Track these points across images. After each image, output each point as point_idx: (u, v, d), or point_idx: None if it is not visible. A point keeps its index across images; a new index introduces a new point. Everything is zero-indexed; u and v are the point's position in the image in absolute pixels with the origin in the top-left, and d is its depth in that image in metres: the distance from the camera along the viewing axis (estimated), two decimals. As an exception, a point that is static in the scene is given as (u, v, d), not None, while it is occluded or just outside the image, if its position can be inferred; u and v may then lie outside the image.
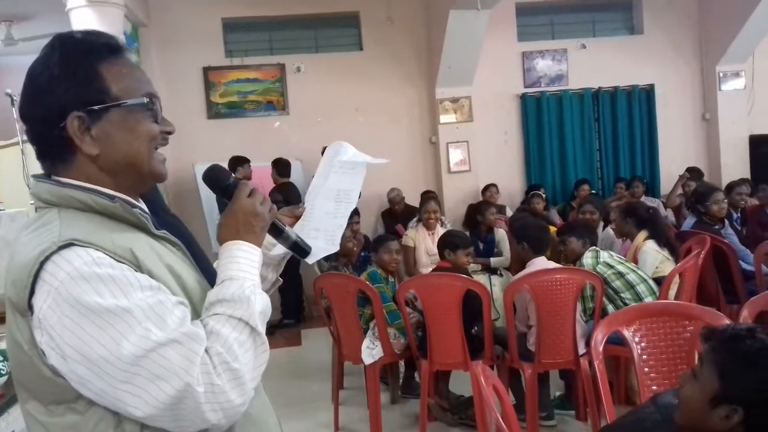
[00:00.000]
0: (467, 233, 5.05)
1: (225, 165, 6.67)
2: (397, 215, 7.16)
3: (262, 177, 7.09)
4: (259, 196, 1.28)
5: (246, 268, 1.19)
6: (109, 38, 1.18)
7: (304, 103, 7.90)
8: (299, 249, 1.41)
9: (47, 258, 1.02)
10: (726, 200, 4.91)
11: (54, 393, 1.06)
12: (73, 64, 1.12)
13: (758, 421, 1.51)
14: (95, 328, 0.99)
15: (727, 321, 2.53)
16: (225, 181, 1.33)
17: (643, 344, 2.57)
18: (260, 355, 1.13)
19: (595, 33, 8.63)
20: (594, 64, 8.28)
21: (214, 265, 1.36)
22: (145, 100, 1.18)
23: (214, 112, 7.80)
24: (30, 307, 1.03)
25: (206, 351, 1.04)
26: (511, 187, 8.18)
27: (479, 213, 5.96)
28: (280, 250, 1.46)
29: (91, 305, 1.00)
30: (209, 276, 1.25)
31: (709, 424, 1.55)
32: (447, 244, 4.05)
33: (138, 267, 1.07)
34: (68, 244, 1.03)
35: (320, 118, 7.87)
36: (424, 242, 5.55)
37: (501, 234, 5.74)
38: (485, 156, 7.97)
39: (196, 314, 1.13)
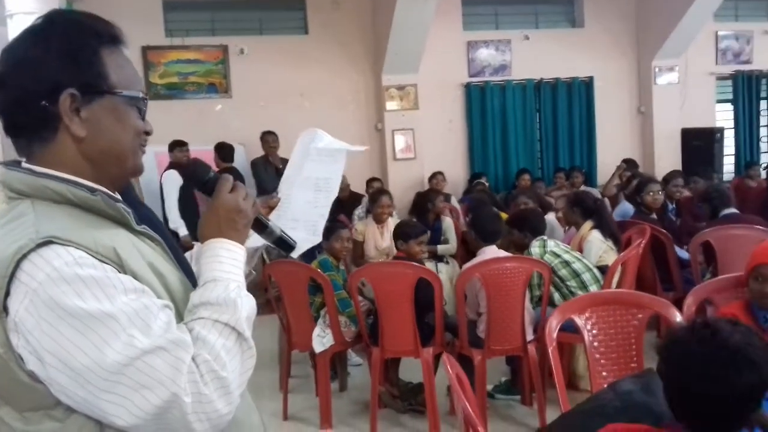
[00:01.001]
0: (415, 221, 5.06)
1: (165, 148, 6.52)
2: (343, 202, 7.13)
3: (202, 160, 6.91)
4: (241, 191, 1.23)
5: (229, 268, 1.14)
6: (112, 27, 1.13)
7: (248, 86, 7.74)
8: (284, 244, 1.36)
9: (24, 256, 0.95)
10: (662, 191, 5.09)
11: (31, 399, 0.99)
12: (76, 43, 1.07)
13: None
14: (76, 334, 0.93)
15: (674, 309, 2.63)
16: (204, 175, 1.27)
17: (594, 332, 2.65)
18: (246, 361, 1.08)
19: (538, 25, 8.79)
20: (536, 55, 8.44)
21: (189, 259, 1.31)
22: (141, 95, 1.15)
23: (153, 93, 7.53)
24: (5, 309, 0.95)
25: (193, 359, 1.00)
26: (455, 174, 8.26)
27: (429, 201, 5.98)
28: (254, 242, 1.40)
29: (72, 309, 0.93)
30: (185, 272, 1.19)
31: None
32: (399, 234, 4.04)
33: (121, 267, 1.01)
34: (47, 242, 0.96)
35: (264, 102, 7.74)
36: (373, 237, 5.51)
37: (448, 222, 5.79)
38: (430, 144, 8.02)
39: (179, 315, 1.07)
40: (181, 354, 0.98)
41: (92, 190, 1.07)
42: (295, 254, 1.48)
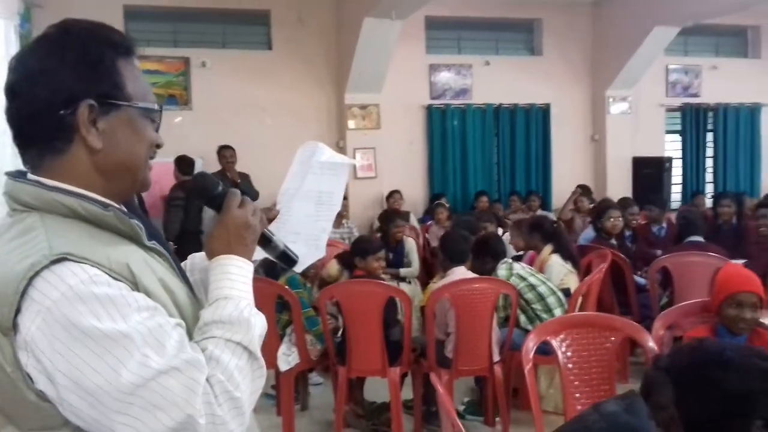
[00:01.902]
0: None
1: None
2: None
3: (160, 173, 6.77)
4: (250, 207, 1.22)
5: (240, 286, 1.13)
6: (126, 37, 1.12)
7: (209, 99, 7.64)
8: (287, 258, 1.35)
9: (37, 273, 0.92)
10: (621, 217, 5.24)
11: (37, 419, 0.96)
12: (93, 53, 1.05)
13: None
14: (91, 355, 0.91)
15: (646, 333, 2.70)
16: (213, 190, 1.25)
17: (569, 354, 2.69)
18: (257, 380, 1.07)
19: (498, 51, 8.99)
20: (496, 80, 8.61)
21: (188, 273, 1.29)
22: (156, 106, 1.13)
23: (110, 102, 7.37)
24: (14, 326, 0.92)
25: (207, 379, 0.98)
26: (415, 195, 8.32)
27: (386, 223, 6.00)
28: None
29: (87, 329, 0.91)
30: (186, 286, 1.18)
31: None
32: (357, 251, 4.02)
33: (135, 285, 0.99)
34: (61, 259, 0.93)
35: (225, 116, 7.65)
36: None
37: (411, 244, 5.82)
38: (391, 163, 8.06)
39: (188, 332, 1.05)
40: (196, 375, 0.96)
41: (104, 205, 1.05)
42: (298, 268, 1.47)
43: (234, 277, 1.13)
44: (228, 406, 0.99)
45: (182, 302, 1.09)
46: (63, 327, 0.90)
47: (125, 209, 1.13)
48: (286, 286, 3.93)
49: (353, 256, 4.09)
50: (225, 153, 6.89)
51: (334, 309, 4.10)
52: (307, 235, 1.48)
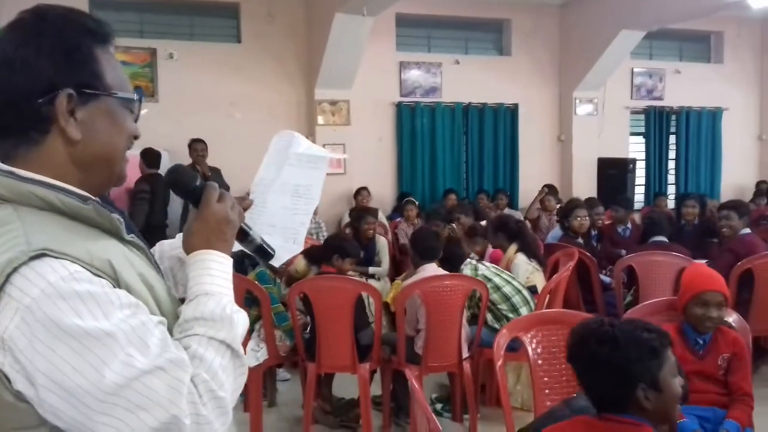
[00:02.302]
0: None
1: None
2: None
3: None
4: (229, 201, 1.20)
5: (221, 282, 1.11)
6: (104, 24, 1.08)
7: (176, 91, 7.53)
8: (263, 252, 1.33)
9: (15, 270, 0.88)
10: (588, 217, 5.32)
11: (13, 419, 0.92)
12: (71, 40, 1.01)
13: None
14: (73, 354, 0.88)
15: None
16: (191, 184, 1.21)
17: (539, 350, 2.72)
18: (238, 378, 1.05)
19: (468, 51, 9.04)
20: (466, 80, 8.65)
21: (157, 259, 1.26)
22: (136, 96, 1.10)
23: (74, 93, 7.20)
24: None
25: (191, 379, 0.96)
26: (383, 192, 8.33)
27: (357, 221, 5.96)
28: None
29: (69, 328, 0.87)
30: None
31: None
32: (338, 249, 3.99)
33: (116, 281, 0.96)
34: (40, 255, 0.89)
35: (192, 109, 7.55)
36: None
37: (382, 242, 5.81)
38: (360, 160, 8.05)
39: (168, 328, 1.02)
40: (180, 374, 0.94)
41: (83, 198, 1.01)
42: (276, 263, 1.45)
43: (215, 273, 1.11)
44: (212, 405, 0.97)
45: (162, 298, 1.06)
46: (43, 325, 0.87)
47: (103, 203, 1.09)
48: (256, 282, 3.89)
49: (332, 253, 4.04)
50: (196, 146, 6.80)
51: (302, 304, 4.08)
52: (284, 228, 1.45)
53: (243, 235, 1.27)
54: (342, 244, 4.05)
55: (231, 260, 1.16)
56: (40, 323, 0.87)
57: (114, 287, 0.94)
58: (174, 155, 7.16)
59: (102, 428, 0.90)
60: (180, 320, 1.05)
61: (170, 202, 6.79)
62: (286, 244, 1.45)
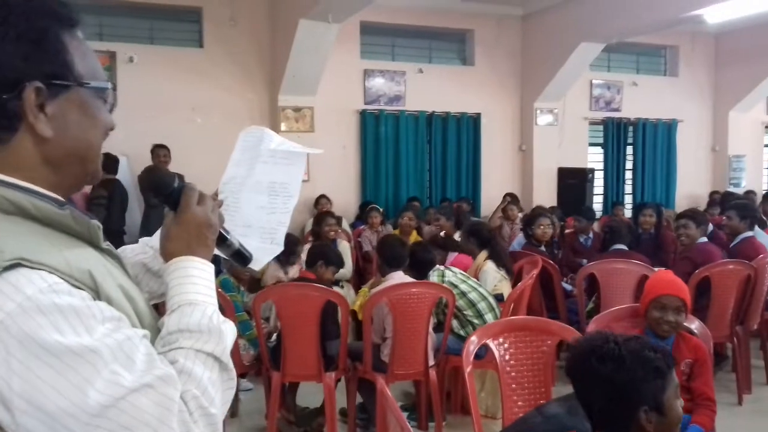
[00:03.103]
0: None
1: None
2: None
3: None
4: (209, 203, 1.14)
5: (204, 290, 1.04)
6: (70, 6, 0.98)
7: (136, 96, 7.35)
8: (241, 257, 1.28)
9: None
10: (551, 225, 5.38)
11: None
12: (36, 27, 0.92)
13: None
14: (53, 373, 0.80)
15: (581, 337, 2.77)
16: (169, 186, 1.15)
17: (506, 357, 2.73)
18: (227, 392, 0.99)
19: (432, 60, 9.10)
20: (429, 88, 8.71)
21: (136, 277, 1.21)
22: (110, 85, 1.01)
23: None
24: None
25: (181, 396, 0.90)
26: (347, 200, 8.30)
27: (318, 224, 5.93)
28: None
29: (49, 344, 0.80)
30: None
31: None
32: (322, 256, 3.95)
33: (96, 293, 0.89)
34: (15, 265, 0.81)
35: (152, 114, 7.41)
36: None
37: (344, 246, 5.78)
38: (323, 168, 8.00)
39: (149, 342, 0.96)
40: (170, 391, 0.88)
41: (59, 203, 0.94)
42: (256, 266, 1.40)
43: (197, 281, 1.04)
44: (204, 422, 0.91)
45: (142, 310, 0.99)
46: (19, 342, 0.79)
47: (81, 209, 1.02)
48: (219, 289, 3.82)
49: (317, 259, 3.96)
50: (159, 152, 6.69)
51: (268, 307, 4.02)
52: (261, 228, 1.39)
53: (220, 239, 1.21)
54: (327, 251, 4.01)
55: (213, 267, 1.10)
56: (16, 340, 0.79)
57: (95, 299, 0.88)
58: (133, 160, 7.03)
59: None
60: (163, 332, 0.99)
61: (128, 208, 6.66)
62: (264, 245, 1.39)
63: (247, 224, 1.39)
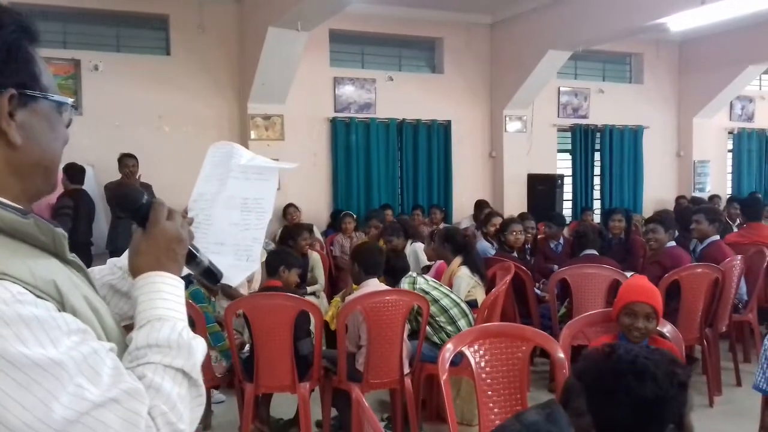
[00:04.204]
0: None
1: None
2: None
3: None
4: (178, 218, 1.14)
5: (174, 305, 1.04)
6: (32, 21, 0.99)
7: (101, 104, 7.26)
8: (210, 275, 1.25)
9: None
10: (522, 231, 5.41)
11: None
12: (9, 38, 0.93)
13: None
14: (16, 387, 0.78)
15: (554, 342, 2.78)
16: (137, 201, 1.14)
17: (482, 364, 2.72)
18: (195, 409, 0.99)
19: (401, 67, 9.13)
20: (399, 96, 8.72)
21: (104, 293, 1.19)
22: (71, 101, 1.04)
23: (-9, 104, 6.83)
24: None
25: (148, 411, 0.88)
26: (318, 208, 8.26)
27: (291, 237, 5.82)
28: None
29: (12, 356, 0.78)
30: None
31: None
32: (283, 261, 3.91)
33: (61, 304, 0.87)
34: None
35: (119, 122, 7.30)
36: None
37: (315, 258, 5.73)
38: (294, 176, 7.95)
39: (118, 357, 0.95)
40: (137, 406, 0.86)
41: (23, 212, 0.92)
42: (233, 283, 1.38)
43: (167, 296, 1.04)
44: None
45: (108, 323, 0.98)
46: None
47: (47, 219, 1.00)
48: (190, 301, 3.75)
49: (278, 265, 3.92)
50: (127, 162, 6.57)
51: (239, 321, 3.97)
52: (235, 245, 1.38)
53: (190, 257, 1.19)
54: (284, 256, 3.97)
55: (183, 282, 1.10)
56: None
57: (60, 311, 0.86)
58: (99, 170, 6.91)
59: None
60: (131, 347, 0.98)
61: (95, 219, 6.52)
62: (239, 263, 1.38)
63: (220, 242, 1.37)
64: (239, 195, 1.39)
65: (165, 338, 0.98)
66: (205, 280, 1.28)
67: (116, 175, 6.61)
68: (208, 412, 4.27)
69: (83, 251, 6.07)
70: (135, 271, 1.08)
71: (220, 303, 4.54)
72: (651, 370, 1.58)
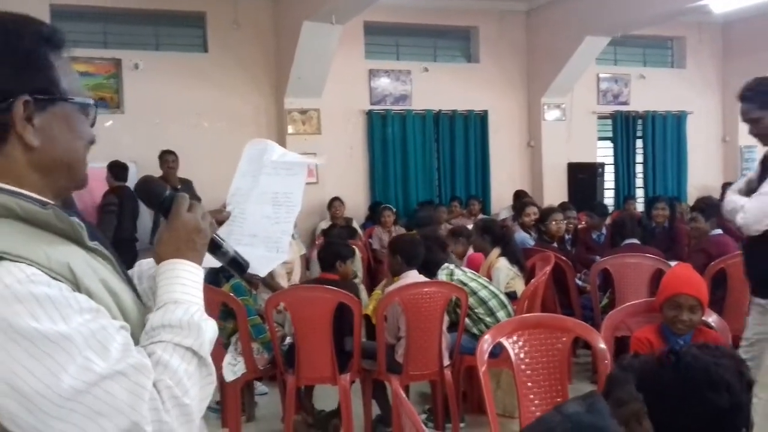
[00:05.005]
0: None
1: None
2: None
3: (92, 179, 6.35)
4: (199, 210, 1.19)
5: (190, 290, 1.10)
6: (55, 29, 1.08)
7: (142, 102, 7.41)
8: (237, 265, 1.30)
9: None
10: (564, 221, 5.34)
11: None
12: (25, 47, 1.02)
13: None
14: (29, 358, 0.87)
15: (596, 333, 2.74)
16: (161, 194, 1.21)
17: (521, 355, 2.70)
18: (206, 387, 1.04)
19: (437, 58, 9.08)
20: (435, 87, 8.67)
21: (136, 281, 1.25)
22: (92, 101, 1.12)
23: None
24: None
25: (154, 385, 0.95)
26: (356, 200, 8.28)
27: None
28: (207, 264, 1.34)
29: (25, 331, 0.87)
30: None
31: None
32: (338, 255, 3.92)
33: (76, 285, 0.95)
34: None
35: (159, 120, 7.43)
36: None
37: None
38: (332, 169, 7.99)
39: (134, 337, 1.02)
40: (142, 380, 0.93)
41: (43, 204, 1.01)
42: (261, 273, 1.44)
43: (185, 282, 1.11)
44: (176, 412, 0.96)
45: (127, 306, 1.05)
46: (0, 329, 0.87)
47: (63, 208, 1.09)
48: (231, 294, 3.81)
49: (334, 260, 3.93)
50: (167, 158, 6.71)
51: (281, 317, 4.02)
52: (266, 237, 1.44)
53: (215, 247, 1.25)
54: (338, 249, 3.99)
55: (202, 270, 1.16)
56: None
57: (73, 291, 0.94)
58: (141, 167, 7.03)
59: None
60: (147, 327, 1.04)
61: (139, 215, 6.67)
62: (269, 254, 1.44)
63: (253, 234, 1.44)
64: (270, 190, 1.46)
65: (177, 319, 1.03)
66: (232, 270, 1.33)
67: (158, 172, 6.73)
68: (251, 404, 4.35)
69: (128, 247, 6.22)
70: (158, 259, 1.15)
71: (261, 296, 4.59)
72: (726, 379, 1.51)
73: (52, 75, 1.03)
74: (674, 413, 1.51)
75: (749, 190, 3.12)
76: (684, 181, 10.19)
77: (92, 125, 1.13)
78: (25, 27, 1.04)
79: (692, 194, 9.86)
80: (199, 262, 1.16)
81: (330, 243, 4.26)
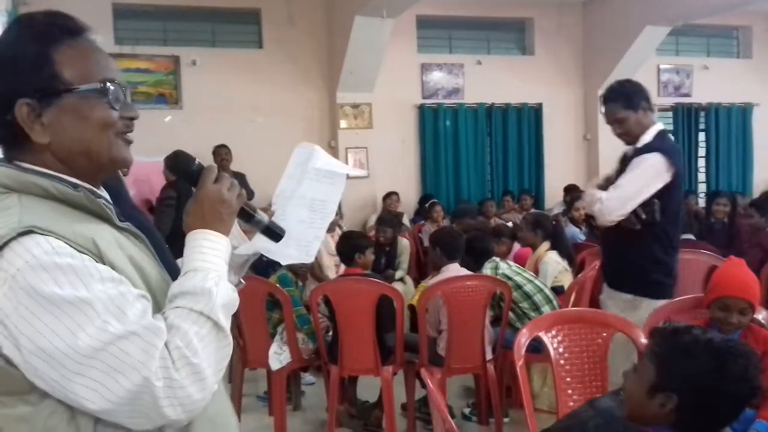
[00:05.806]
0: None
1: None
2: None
3: (150, 172, 6.71)
4: (226, 181, 1.24)
5: (211, 258, 1.15)
6: (68, 19, 1.13)
7: (199, 98, 7.60)
8: (272, 233, 1.37)
9: (5, 244, 0.99)
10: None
11: (5, 383, 1.02)
12: (21, 49, 1.09)
13: (690, 407, 1.63)
14: (52, 319, 0.97)
15: (637, 329, 2.68)
16: (189, 166, 1.27)
17: (560, 350, 2.67)
18: (222, 349, 1.10)
19: (490, 51, 8.98)
20: (488, 80, 8.59)
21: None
22: (99, 85, 1.12)
23: (100, 101, 7.31)
24: None
25: (165, 345, 1.02)
26: (407, 195, 8.29)
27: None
28: (245, 250, 1.42)
29: (48, 295, 0.97)
30: (174, 273, 1.19)
31: (649, 412, 1.67)
32: (354, 247, 3.93)
33: (100, 258, 1.04)
34: (28, 231, 1.00)
35: (215, 115, 7.62)
36: (324, 245, 5.48)
37: (404, 244, 5.78)
38: (383, 163, 8.03)
39: (159, 310, 1.10)
40: (154, 340, 1.01)
41: (75, 186, 1.10)
42: (284, 261, 1.51)
43: (206, 251, 1.15)
44: (186, 371, 1.02)
45: (153, 280, 1.12)
46: (27, 293, 0.96)
47: (96, 191, 1.16)
48: (277, 285, 3.89)
49: (352, 253, 3.95)
50: (220, 151, 6.88)
51: (326, 308, 4.07)
52: (299, 240, 1.50)
53: (248, 216, 1.32)
54: (354, 242, 4.00)
55: (226, 239, 1.20)
56: (23, 291, 0.96)
57: (96, 263, 1.02)
58: (199, 161, 7.23)
59: (81, 389, 0.98)
60: (169, 295, 1.11)
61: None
62: (299, 255, 1.50)
63: (288, 235, 1.47)
64: (309, 195, 1.51)
65: (192, 286, 1.10)
66: (268, 237, 1.37)
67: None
68: (298, 393, 4.43)
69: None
70: (187, 229, 1.20)
71: (310, 287, 4.66)
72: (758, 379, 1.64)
73: (52, 70, 1.08)
74: (711, 412, 1.65)
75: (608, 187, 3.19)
76: (750, 175, 9.80)
77: (113, 107, 1.12)
78: (25, 28, 1.10)
79: (758, 189, 9.47)
80: (225, 231, 1.20)
81: (346, 237, 4.27)
